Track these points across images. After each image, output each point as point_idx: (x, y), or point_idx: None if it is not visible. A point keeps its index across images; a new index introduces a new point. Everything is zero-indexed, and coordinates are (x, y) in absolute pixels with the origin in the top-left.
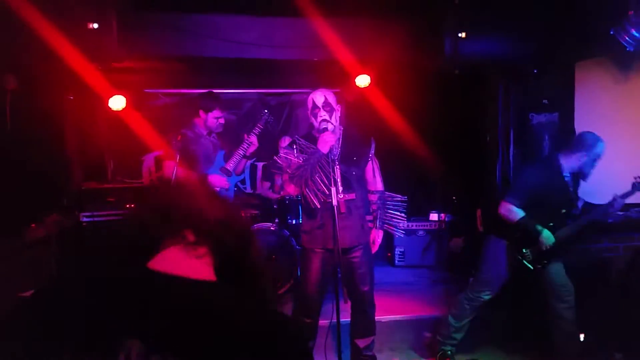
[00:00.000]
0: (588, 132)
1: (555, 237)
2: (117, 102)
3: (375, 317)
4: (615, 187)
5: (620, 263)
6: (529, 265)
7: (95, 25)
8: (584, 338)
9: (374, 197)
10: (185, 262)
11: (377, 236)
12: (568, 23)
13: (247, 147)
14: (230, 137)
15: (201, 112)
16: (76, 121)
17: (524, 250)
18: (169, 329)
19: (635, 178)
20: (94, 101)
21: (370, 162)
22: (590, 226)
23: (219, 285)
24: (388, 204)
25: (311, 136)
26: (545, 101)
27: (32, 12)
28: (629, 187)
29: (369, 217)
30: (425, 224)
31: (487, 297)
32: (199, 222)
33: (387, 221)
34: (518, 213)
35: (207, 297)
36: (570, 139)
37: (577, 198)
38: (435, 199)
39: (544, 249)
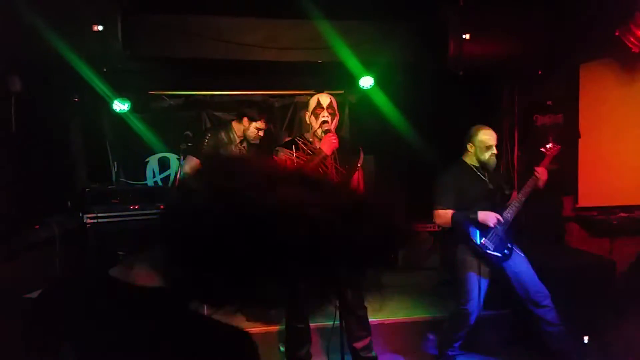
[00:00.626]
0: (476, 125)
1: (503, 218)
2: (122, 104)
3: (379, 319)
4: (622, 187)
5: (625, 265)
6: (496, 253)
7: (100, 28)
8: (588, 341)
9: None
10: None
11: None
12: (572, 24)
13: None
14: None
15: (245, 120)
16: (81, 123)
17: (483, 241)
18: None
19: (543, 148)
20: (98, 103)
21: (357, 172)
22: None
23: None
24: None
25: (304, 138)
26: (549, 103)
27: (37, 15)
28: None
29: None
30: (429, 225)
31: (472, 307)
32: None
33: None
34: (447, 213)
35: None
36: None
37: (504, 185)
38: None
39: (493, 226)
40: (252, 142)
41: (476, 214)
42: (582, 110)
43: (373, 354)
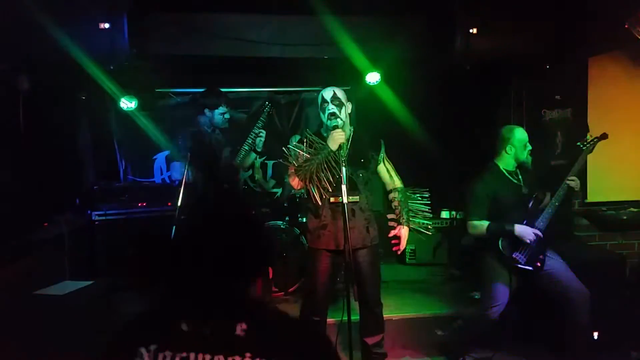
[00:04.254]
0: (503, 126)
1: (536, 228)
2: (129, 102)
3: (387, 316)
4: (631, 182)
5: (635, 260)
6: (527, 267)
7: (107, 25)
8: (598, 337)
9: (394, 194)
10: None
11: (403, 233)
12: (581, 17)
13: (254, 136)
14: (237, 135)
15: (206, 111)
16: (88, 121)
17: (514, 255)
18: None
19: (581, 144)
20: (106, 101)
21: (382, 164)
22: (563, 205)
23: None
24: (410, 200)
25: (319, 134)
26: (558, 97)
27: (44, 13)
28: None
29: (390, 216)
30: (437, 221)
31: (496, 313)
32: None
33: (412, 217)
34: (483, 224)
35: None
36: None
37: (534, 190)
38: (446, 197)
39: (529, 242)
40: (222, 127)
41: (513, 226)
42: (591, 105)
43: (383, 350)
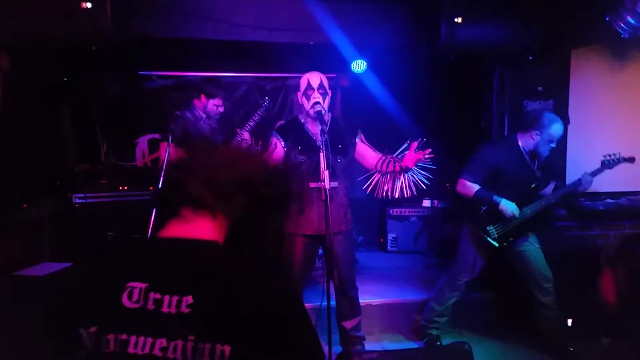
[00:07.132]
0: (548, 112)
1: (522, 212)
2: (112, 85)
3: (367, 300)
4: (609, 176)
5: (610, 250)
6: (494, 243)
7: (89, 5)
8: (572, 323)
9: (384, 158)
10: (194, 225)
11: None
12: (564, 10)
13: (239, 141)
14: (227, 124)
15: (202, 97)
16: (69, 102)
17: (487, 228)
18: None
19: (604, 156)
20: (88, 82)
21: (362, 144)
22: (560, 203)
23: (220, 247)
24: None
25: (297, 120)
26: (540, 88)
27: None
28: (619, 174)
29: (389, 169)
30: (418, 210)
31: (464, 280)
32: (215, 184)
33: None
34: (473, 187)
35: (206, 255)
36: (527, 117)
37: (541, 177)
38: (429, 185)
39: (509, 218)
40: (214, 117)
41: (500, 200)
42: (573, 96)
43: (361, 334)
